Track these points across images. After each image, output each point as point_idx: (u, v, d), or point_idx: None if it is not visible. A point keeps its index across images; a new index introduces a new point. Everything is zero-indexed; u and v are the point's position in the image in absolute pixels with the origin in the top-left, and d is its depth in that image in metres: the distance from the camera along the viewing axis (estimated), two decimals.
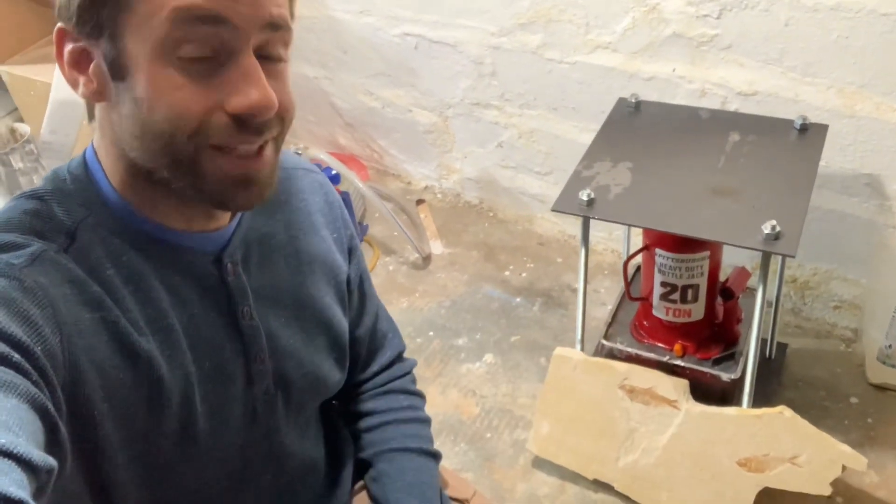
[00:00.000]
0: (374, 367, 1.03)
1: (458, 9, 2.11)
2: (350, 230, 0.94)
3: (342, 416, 1.05)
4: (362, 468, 1.00)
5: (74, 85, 0.67)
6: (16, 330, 0.56)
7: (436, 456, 1.01)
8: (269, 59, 0.67)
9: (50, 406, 0.55)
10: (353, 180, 2.19)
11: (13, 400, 0.52)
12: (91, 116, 0.71)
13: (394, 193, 2.47)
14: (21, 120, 2.62)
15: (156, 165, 0.66)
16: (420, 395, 1.06)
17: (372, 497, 0.97)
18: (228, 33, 0.62)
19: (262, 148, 0.68)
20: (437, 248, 2.31)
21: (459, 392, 1.86)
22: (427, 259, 2.27)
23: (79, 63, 0.66)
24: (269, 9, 0.64)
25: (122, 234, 0.70)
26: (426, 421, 1.04)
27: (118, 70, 0.64)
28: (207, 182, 0.67)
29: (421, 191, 2.56)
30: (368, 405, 1.01)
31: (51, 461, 0.50)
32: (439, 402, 1.84)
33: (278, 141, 0.71)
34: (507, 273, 2.21)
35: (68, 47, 0.66)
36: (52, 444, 0.54)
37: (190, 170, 0.66)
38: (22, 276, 0.61)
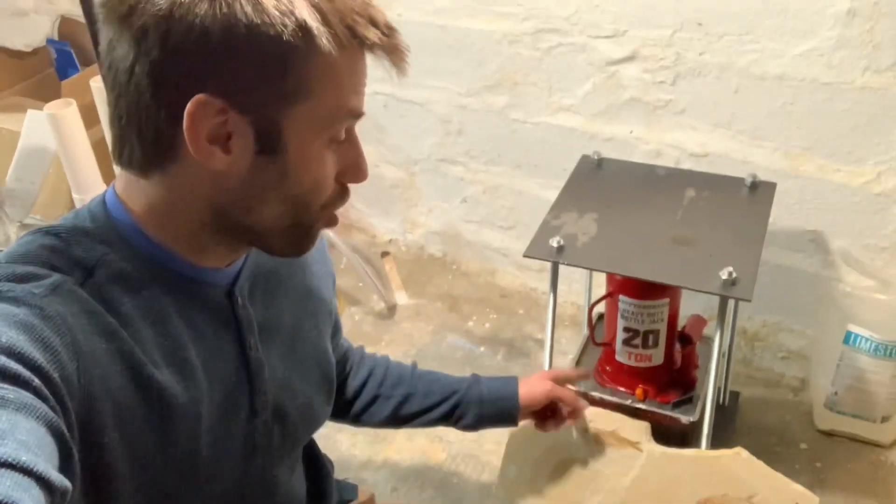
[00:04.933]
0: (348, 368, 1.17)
1: (426, 70, 2.22)
2: (331, 265, 1.03)
3: (339, 417, 1.18)
4: (396, 420, 1.20)
5: (208, 157, 0.67)
6: (37, 355, 0.58)
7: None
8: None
9: (65, 431, 0.57)
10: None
11: (33, 422, 0.53)
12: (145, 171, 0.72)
13: (358, 246, 2.52)
14: None
15: (272, 227, 0.74)
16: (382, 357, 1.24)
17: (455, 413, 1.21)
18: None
19: None
20: (401, 298, 2.36)
21: (426, 438, 1.90)
22: (392, 309, 2.32)
23: (217, 138, 0.67)
24: None
25: (144, 269, 0.72)
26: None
27: (270, 146, 0.69)
28: (301, 238, 0.77)
29: (385, 244, 2.62)
30: (361, 374, 1.20)
31: (66, 483, 0.52)
32: (406, 447, 1.87)
33: None
34: (470, 323, 2.27)
35: (214, 120, 0.66)
36: (64, 468, 0.56)
37: (304, 231, 0.77)
38: (42, 305, 0.62)
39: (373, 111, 2.38)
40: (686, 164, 1.93)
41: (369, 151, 2.41)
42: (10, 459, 0.49)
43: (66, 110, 2.06)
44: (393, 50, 0.70)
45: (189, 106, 0.64)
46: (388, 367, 1.22)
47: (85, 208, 0.75)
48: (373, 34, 0.68)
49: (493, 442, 1.88)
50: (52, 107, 2.09)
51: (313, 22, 0.64)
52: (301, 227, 0.75)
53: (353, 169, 0.76)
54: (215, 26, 0.62)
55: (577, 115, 2.04)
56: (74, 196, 2.22)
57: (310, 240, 0.78)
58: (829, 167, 1.76)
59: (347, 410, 1.18)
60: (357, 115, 0.72)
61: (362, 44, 0.68)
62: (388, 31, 0.69)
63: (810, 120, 1.73)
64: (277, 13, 0.63)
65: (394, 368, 1.22)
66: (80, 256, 0.69)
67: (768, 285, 1.93)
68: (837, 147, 1.73)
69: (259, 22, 0.63)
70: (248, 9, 0.62)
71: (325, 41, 0.65)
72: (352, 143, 0.75)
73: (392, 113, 2.35)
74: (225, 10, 0.62)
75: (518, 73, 2.07)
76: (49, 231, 0.71)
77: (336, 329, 1.06)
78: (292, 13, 0.63)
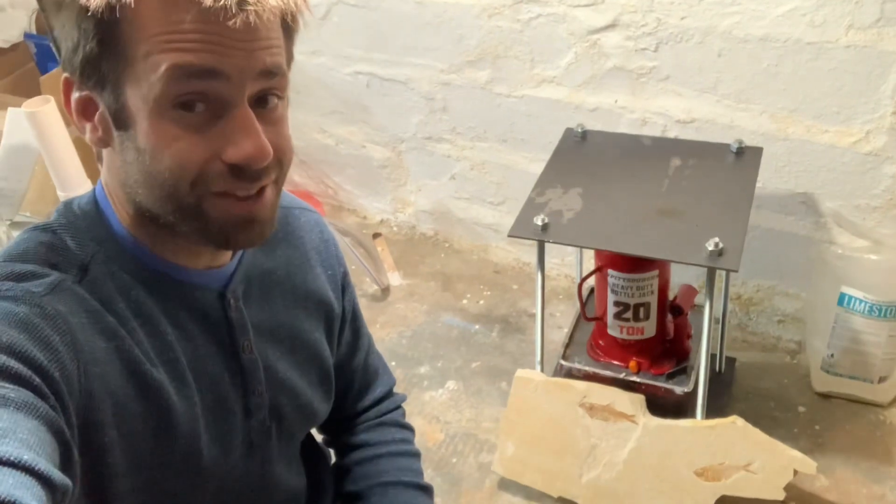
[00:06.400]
0: (367, 402, 1.06)
1: (407, 47, 2.19)
2: (343, 267, 0.97)
3: (335, 449, 1.08)
4: (349, 500, 1.02)
5: (82, 131, 0.69)
6: (37, 354, 0.59)
7: (427, 490, 1.04)
8: (265, 104, 0.68)
9: (66, 430, 0.57)
10: None
11: (34, 421, 0.54)
12: (98, 158, 0.73)
13: (350, 228, 2.51)
14: None
15: (161, 211, 0.69)
16: (411, 429, 1.09)
17: None
18: (223, 85, 0.64)
19: (262, 189, 0.70)
20: (395, 279, 2.35)
21: (424, 419, 1.90)
22: (386, 291, 2.31)
23: (85, 111, 0.69)
24: (262, 58, 0.65)
25: (131, 269, 0.72)
26: (417, 454, 1.07)
27: (120, 121, 0.66)
28: (211, 225, 0.69)
29: (377, 224, 2.60)
30: (362, 437, 1.04)
31: (67, 481, 0.52)
32: None
33: (278, 183, 0.73)
34: (464, 301, 2.26)
35: (75, 96, 0.68)
36: (65, 467, 0.56)
37: (194, 215, 0.68)
38: (43, 304, 0.63)
39: (356, 92, 2.35)
40: (672, 132, 1.90)
41: (354, 132, 2.39)
42: (11, 458, 0.49)
43: (44, 107, 2.03)
44: None
45: (62, 83, 0.69)
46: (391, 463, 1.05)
47: (76, 201, 0.75)
48: None
49: (490, 420, 1.88)
50: (31, 104, 2.06)
51: None
52: (186, 211, 0.68)
53: (230, 145, 0.66)
54: (49, 11, 0.65)
55: (560, 86, 2.01)
56: (60, 194, 2.20)
57: (219, 227, 0.69)
58: (817, 128, 1.73)
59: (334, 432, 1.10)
60: (188, 72, 0.62)
61: None
62: None
63: (796, 81, 1.70)
64: None
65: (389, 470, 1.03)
66: (75, 253, 0.70)
67: (761, 250, 1.92)
68: (824, 107, 1.70)
69: None
70: None
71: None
72: (232, 115, 0.66)
73: (375, 92, 2.32)
74: None
75: (499, 46, 2.04)
76: (45, 227, 0.72)
77: (355, 338, 1.02)
78: None
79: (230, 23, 0.62)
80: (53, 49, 0.68)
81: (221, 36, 0.62)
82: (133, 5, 0.61)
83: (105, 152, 0.72)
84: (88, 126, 0.69)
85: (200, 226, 0.69)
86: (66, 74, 0.68)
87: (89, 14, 0.61)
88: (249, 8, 0.62)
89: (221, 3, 0.61)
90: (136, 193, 0.69)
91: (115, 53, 0.63)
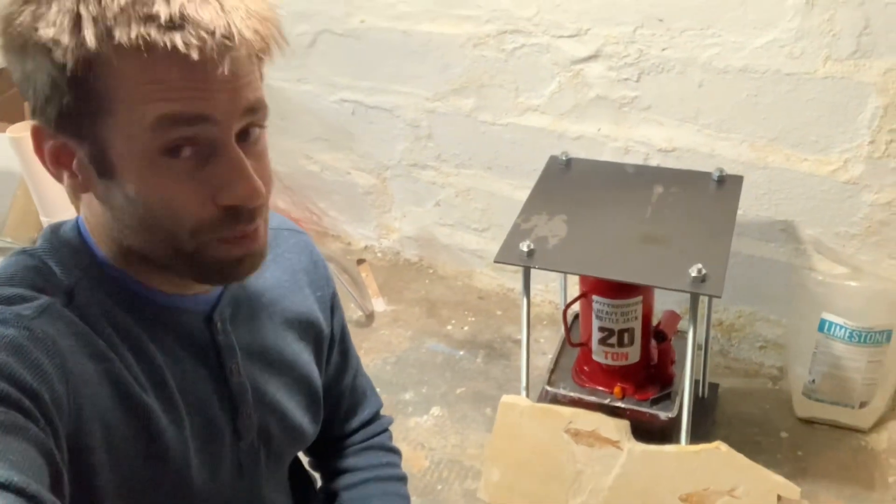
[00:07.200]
0: (354, 424, 1.06)
1: (393, 75, 2.21)
2: (332, 289, 0.97)
3: (321, 472, 1.07)
4: None
5: (59, 179, 0.68)
6: (27, 377, 0.59)
7: None
8: (248, 137, 0.68)
9: (55, 452, 0.57)
10: None
11: (24, 443, 0.54)
12: (75, 194, 0.72)
13: (334, 254, 2.51)
14: None
15: (157, 255, 0.69)
16: (397, 452, 1.10)
17: None
18: (211, 128, 0.64)
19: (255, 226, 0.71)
20: (379, 305, 2.36)
21: (409, 445, 1.89)
22: (370, 317, 2.31)
23: (60, 159, 0.67)
24: (246, 96, 0.65)
25: (116, 296, 0.72)
26: (403, 478, 1.07)
27: (104, 169, 0.65)
28: (210, 267, 0.70)
29: (361, 251, 2.61)
30: (349, 461, 1.04)
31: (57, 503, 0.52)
32: None
33: (265, 214, 0.73)
34: (449, 327, 2.27)
35: (48, 144, 0.66)
36: (55, 489, 0.56)
37: (191, 260, 0.68)
38: (32, 327, 0.63)
39: (341, 119, 2.37)
40: (654, 160, 1.93)
41: (339, 158, 2.41)
42: (2, 480, 0.49)
43: (27, 133, 2.04)
44: (173, 47, 0.59)
45: (31, 131, 0.67)
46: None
47: (62, 228, 0.75)
48: (131, 33, 0.58)
49: (475, 446, 1.88)
50: (14, 130, 2.06)
51: (63, 36, 0.59)
52: (184, 255, 0.68)
53: (224, 188, 0.65)
54: (11, 54, 0.63)
55: (544, 114, 2.04)
56: (43, 219, 2.20)
57: (217, 267, 0.70)
58: (796, 157, 1.76)
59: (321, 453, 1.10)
60: (176, 120, 0.62)
61: (134, 45, 0.59)
62: (170, 25, 0.59)
63: (775, 111, 1.74)
64: (40, 33, 0.59)
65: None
66: (60, 279, 0.70)
67: (742, 276, 1.94)
68: (803, 137, 1.74)
69: (27, 43, 0.60)
70: (19, 29, 0.61)
71: (72, 54, 0.59)
72: (221, 157, 0.65)
73: (361, 120, 2.34)
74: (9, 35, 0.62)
75: (484, 75, 2.07)
76: (32, 253, 0.71)
77: (343, 359, 1.02)
78: (35, 29, 0.60)
79: (217, 72, 0.61)
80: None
81: (206, 82, 0.62)
82: (115, 64, 0.60)
83: (84, 194, 0.71)
84: (66, 173, 0.68)
85: (197, 267, 0.70)
86: (35, 123, 0.66)
87: (65, 70, 0.60)
88: (233, 54, 0.61)
89: (207, 55, 0.60)
90: (124, 236, 0.69)
91: (94, 105, 0.62)
